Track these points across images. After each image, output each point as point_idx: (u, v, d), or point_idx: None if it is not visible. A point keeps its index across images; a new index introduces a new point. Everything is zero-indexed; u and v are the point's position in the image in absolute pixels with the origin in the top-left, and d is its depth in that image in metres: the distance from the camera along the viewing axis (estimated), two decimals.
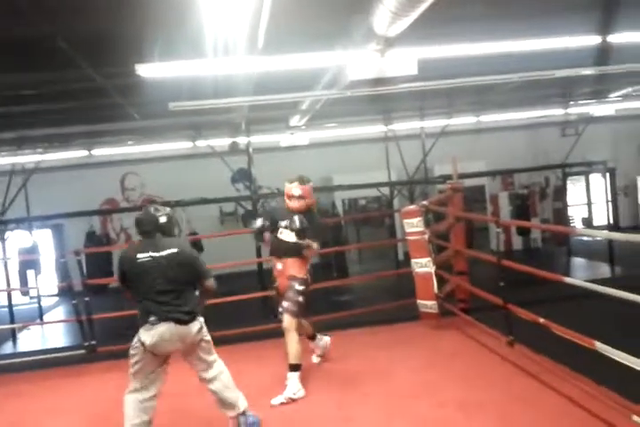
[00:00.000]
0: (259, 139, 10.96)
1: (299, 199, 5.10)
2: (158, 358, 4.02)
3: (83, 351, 6.66)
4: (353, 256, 13.86)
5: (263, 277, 9.43)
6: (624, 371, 3.70)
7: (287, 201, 5.18)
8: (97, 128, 9.05)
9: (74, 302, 6.89)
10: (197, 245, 10.06)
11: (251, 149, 10.19)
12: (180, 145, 11.39)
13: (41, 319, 10.42)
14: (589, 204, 15.38)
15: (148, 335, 3.92)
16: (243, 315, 7.60)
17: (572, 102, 11.46)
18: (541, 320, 4.70)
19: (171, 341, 3.94)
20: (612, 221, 12.97)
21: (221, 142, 11.39)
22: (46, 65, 5.48)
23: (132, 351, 4.00)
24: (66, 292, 8.86)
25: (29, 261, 10.93)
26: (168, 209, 4.20)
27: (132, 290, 4.10)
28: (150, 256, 3.97)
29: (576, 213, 15.19)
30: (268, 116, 9.28)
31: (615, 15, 5.35)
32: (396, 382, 5.12)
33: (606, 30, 5.45)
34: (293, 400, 4.83)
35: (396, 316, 6.98)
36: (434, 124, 11.89)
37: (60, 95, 6.57)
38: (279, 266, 5.17)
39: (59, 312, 11.64)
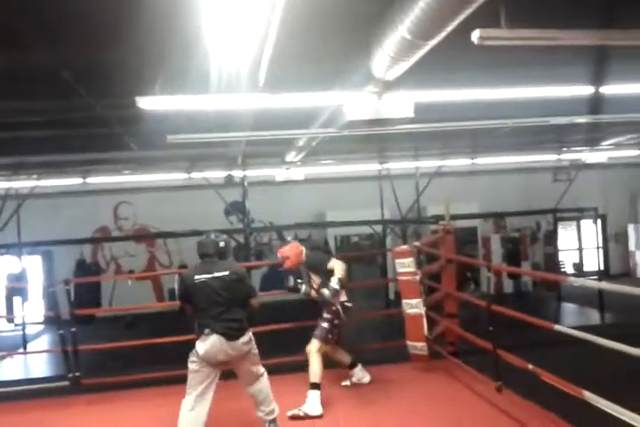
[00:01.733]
0: (254, 172, 11.01)
1: (285, 260, 5.79)
2: (212, 367, 4.49)
3: (66, 383, 6.53)
4: None
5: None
6: (613, 420, 3.67)
7: None
8: (93, 157, 9.06)
9: (60, 331, 6.77)
10: None
11: (246, 183, 10.22)
12: (175, 176, 11.43)
13: (25, 348, 10.24)
14: (580, 249, 15.45)
15: (202, 346, 4.45)
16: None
17: (564, 149, 11.62)
18: (530, 367, 4.67)
19: (221, 349, 4.45)
20: (602, 268, 13.00)
21: (216, 175, 11.43)
22: (47, 93, 5.52)
23: (190, 362, 4.51)
24: (52, 320, 8.73)
25: (17, 288, 10.82)
26: (225, 236, 4.91)
27: (193, 306, 4.64)
28: (206, 277, 4.55)
29: (567, 258, 15.24)
30: (264, 151, 9.33)
31: (606, 68, 5.48)
32: (380, 425, 5.04)
33: (599, 81, 5.58)
34: (308, 416, 5.10)
35: (386, 356, 6.90)
36: (428, 164, 12.00)
37: (58, 123, 6.60)
38: None
39: (43, 341, 11.46)
